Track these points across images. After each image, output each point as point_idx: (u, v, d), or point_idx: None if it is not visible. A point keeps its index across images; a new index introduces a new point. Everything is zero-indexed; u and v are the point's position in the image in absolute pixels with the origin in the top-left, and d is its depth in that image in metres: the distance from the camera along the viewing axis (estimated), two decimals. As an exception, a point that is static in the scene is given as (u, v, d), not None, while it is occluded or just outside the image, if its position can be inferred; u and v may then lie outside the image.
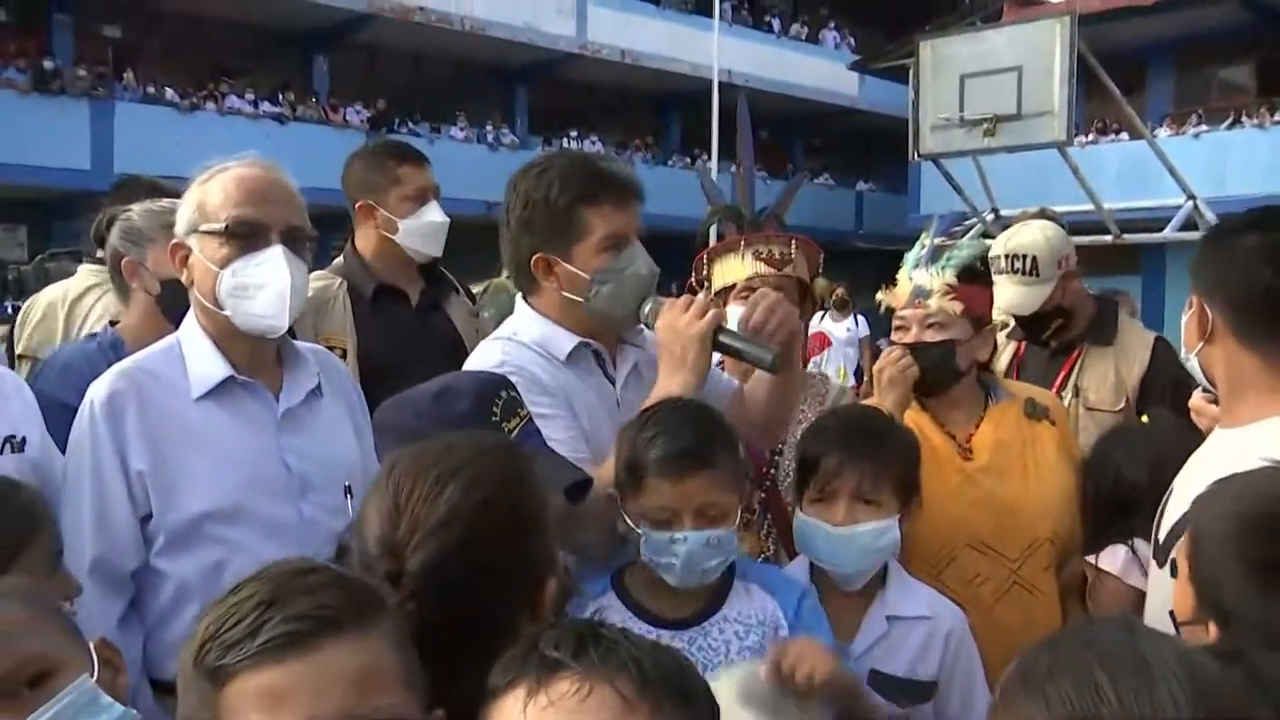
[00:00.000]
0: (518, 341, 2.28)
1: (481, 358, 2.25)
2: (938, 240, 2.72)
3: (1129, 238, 10.00)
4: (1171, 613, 1.61)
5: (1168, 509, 2.02)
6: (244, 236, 2.11)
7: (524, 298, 2.36)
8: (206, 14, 21.46)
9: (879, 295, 2.76)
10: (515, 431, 1.85)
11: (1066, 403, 3.36)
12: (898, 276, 2.69)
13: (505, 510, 1.41)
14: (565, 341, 2.27)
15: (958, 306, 2.56)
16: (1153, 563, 2.06)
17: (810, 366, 4.89)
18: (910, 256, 2.67)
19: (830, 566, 2.18)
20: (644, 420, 2.00)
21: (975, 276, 2.65)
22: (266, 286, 2.11)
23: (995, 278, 3.23)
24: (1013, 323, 3.72)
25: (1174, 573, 1.91)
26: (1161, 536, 2.02)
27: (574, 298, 2.25)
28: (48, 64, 18.96)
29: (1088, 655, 1.05)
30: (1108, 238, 9.82)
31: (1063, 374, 3.51)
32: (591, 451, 2.19)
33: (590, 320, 2.28)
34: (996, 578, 2.47)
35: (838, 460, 2.16)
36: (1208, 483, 1.91)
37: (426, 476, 1.40)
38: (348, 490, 2.18)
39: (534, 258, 2.25)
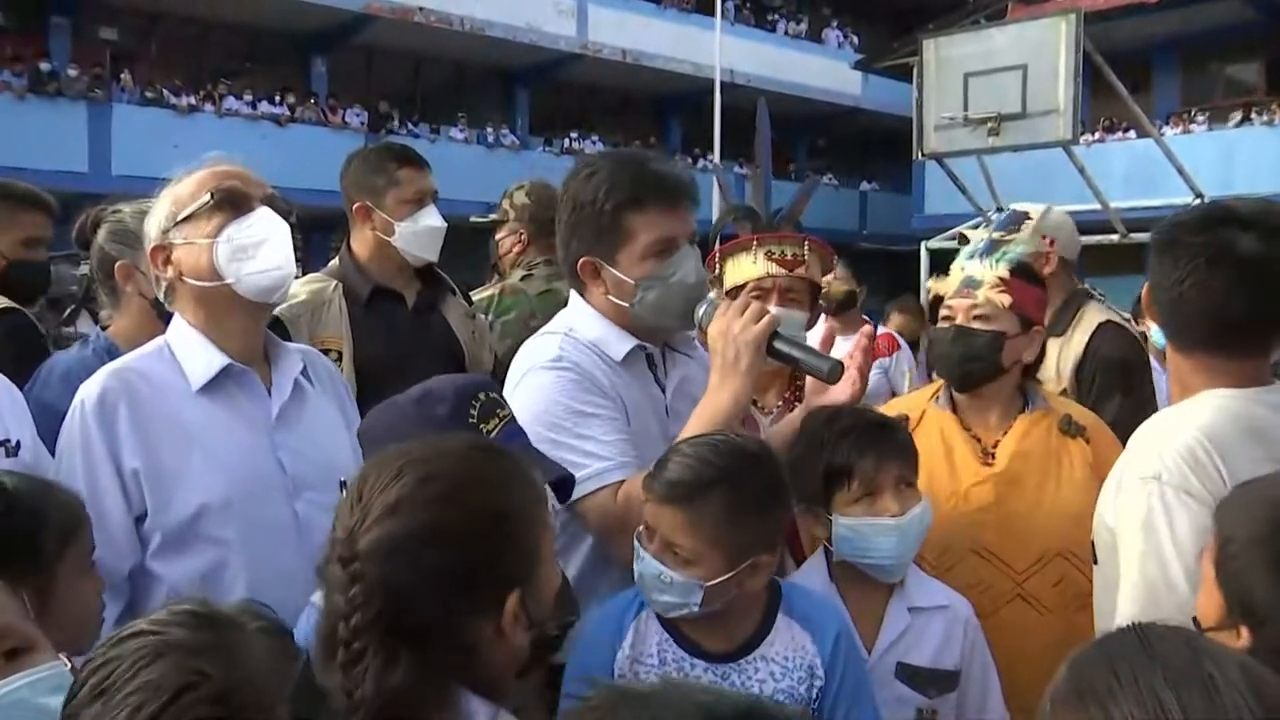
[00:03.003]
0: (575, 338, 2.26)
1: (538, 350, 2.25)
2: (996, 234, 2.70)
3: (1136, 237, 9.84)
4: (1195, 619, 1.58)
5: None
6: (231, 203, 2.11)
7: (579, 294, 2.35)
8: (204, 16, 21.40)
9: (929, 284, 2.76)
10: (495, 432, 1.83)
11: None
12: (951, 266, 2.67)
13: (462, 508, 1.38)
14: (621, 344, 2.26)
15: (1006, 300, 2.50)
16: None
17: (875, 370, 4.92)
18: (966, 248, 2.65)
19: (891, 560, 2.15)
20: (683, 440, 1.99)
21: (1029, 274, 2.60)
22: (266, 241, 2.11)
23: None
24: None
25: (1092, 548, 1.98)
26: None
27: (620, 303, 2.24)
28: (44, 66, 18.90)
29: (1150, 670, 1.04)
30: (1114, 237, 9.72)
31: None
32: (637, 458, 2.15)
33: (638, 325, 2.27)
34: (999, 587, 2.42)
35: (876, 459, 2.15)
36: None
37: (389, 468, 1.40)
38: (343, 487, 2.10)
39: (581, 261, 2.26)
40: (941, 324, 2.61)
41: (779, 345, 2.16)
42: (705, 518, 1.86)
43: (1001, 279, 2.52)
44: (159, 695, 1.10)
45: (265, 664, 1.18)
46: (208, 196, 2.11)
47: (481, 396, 1.86)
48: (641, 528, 1.94)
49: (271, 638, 1.22)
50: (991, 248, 2.60)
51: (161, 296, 2.22)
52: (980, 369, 2.54)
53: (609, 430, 2.15)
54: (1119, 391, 2.82)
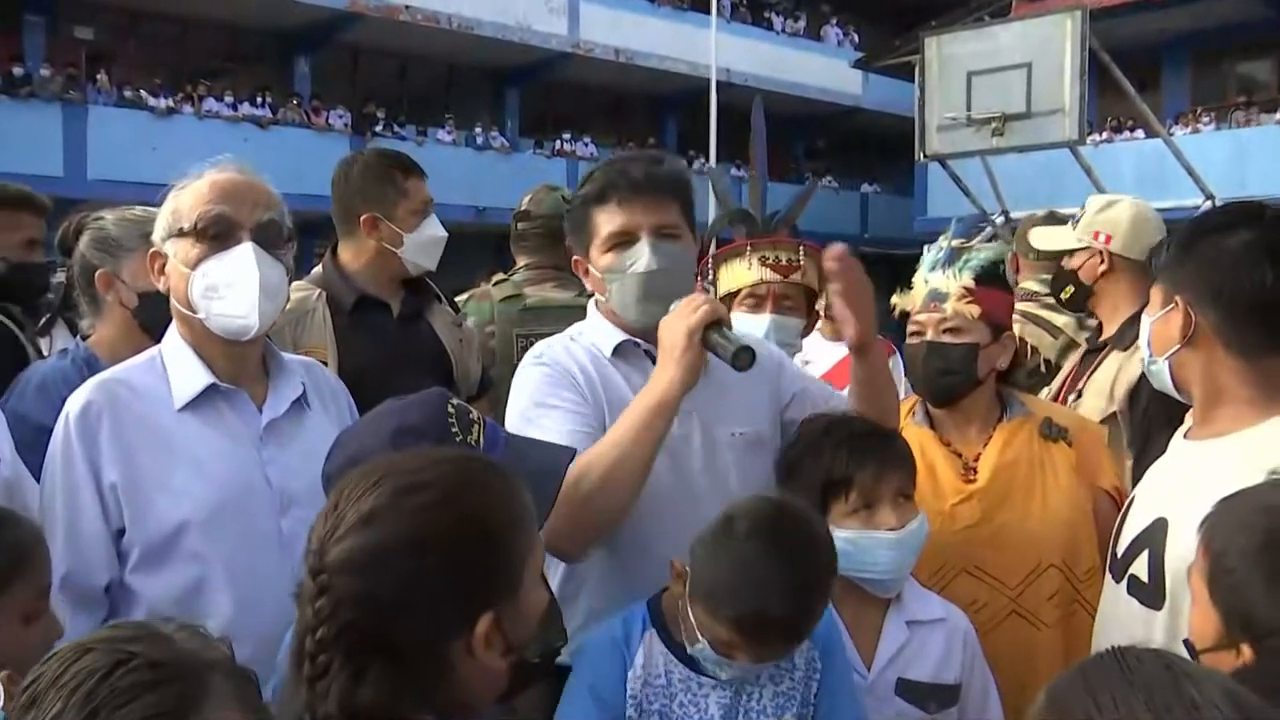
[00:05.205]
0: (570, 339, 2.36)
1: (532, 349, 2.37)
2: (956, 242, 2.64)
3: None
4: (1187, 641, 1.59)
5: (1127, 522, 2.00)
6: (214, 235, 2.11)
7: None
8: (184, 14, 21.27)
9: (894, 299, 2.70)
10: (479, 438, 1.81)
11: (1068, 407, 3.23)
12: (913, 280, 2.64)
13: (438, 521, 1.35)
14: (610, 339, 2.32)
15: (975, 310, 2.49)
16: (1108, 576, 2.05)
17: None
18: (927, 259, 2.61)
19: (889, 574, 2.14)
20: (750, 556, 1.84)
21: (995, 280, 2.57)
22: (235, 284, 2.11)
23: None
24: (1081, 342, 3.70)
25: (1131, 589, 1.93)
26: (1120, 550, 1.99)
27: (601, 297, 2.33)
28: (18, 69, 18.68)
29: (1130, 694, 1.06)
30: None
31: (1086, 376, 3.36)
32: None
33: (620, 320, 2.32)
34: (994, 604, 2.40)
35: (875, 470, 2.16)
36: (1177, 496, 1.88)
37: (369, 477, 1.38)
38: None
39: (574, 259, 2.37)
40: (911, 340, 2.58)
41: (713, 335, 2.12)
42: (804, 638, 1.90)
43: (967, 288, 2.50)
44: (93, 675, 1.10)
45: (190, 645, 1.16)
46: (193, 224, 2.11)
47: (450, 408, 1.82)
48: (710, 639, 1.88)
49: (191, 631, 1.19)
50: (953, 256, 2.56)
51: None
52: (956, 383, 2.52)
53: (566, 421, 2.19)
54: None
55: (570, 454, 1.93)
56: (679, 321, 2.12)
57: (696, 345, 2.10)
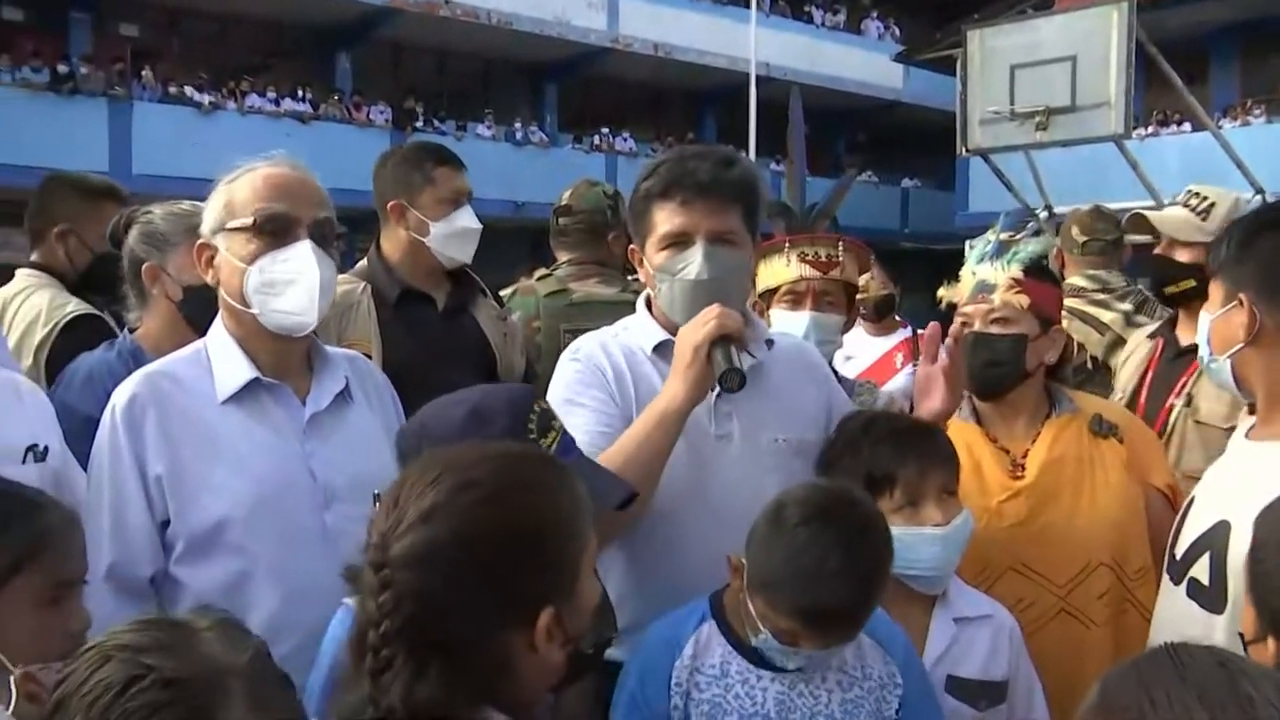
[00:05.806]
0: (613, 334, 2.36)
1: (572, 345, 2.38)
2: (1004, 235, 2.61)
3: (1194, 236, 9.39)
4: (1241, 634, 1.56)
5: (1186, 523, 1.97)
6: (272, 232, 2.11)
7: None
8: (226, 11, 21.47)
9: (941, 291, 2.68)
10: (553, 445, 1.82)
11: (1176, 414, 3.13)
12: (960, 273, 2.62)
13: (498, 517, 1.36)
14: (653, 336, 2.31)
15: (1024, 300, 2.47)
16: (1165, 578, 2.03)
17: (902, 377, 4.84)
18: (975, 251, 2.60)
19: (935, 571, 2.14)
20: (803, 543, 1.83)
21: (1043, 272, 2.57)
22: (295, 282, 2.11)
23: (1167, 208, 3.34)
24: (1146, 326, 3.55)
25: (1191, 592, 1.91)
26: (1179, 552, 1.96)
27: (652, 293, 2.32)
28: (64, 66, 18.89)
29: (1184, 691, 1.05)
30: (1170, 237, 9.28)
31: (1182, 379, 3.20)
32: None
33: (666, 319, 2.30)
34: (1042, 603, 2.37)
35: (918, 466, 2.15)
36: (1239, 498, 1.83)
37: (429, 472, 1.39)
38: (376, 499, 2.11)
39: (630, 248, 2.37)
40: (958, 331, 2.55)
41: (716, 351, 2.09)
42: (860, 626, 1.89)
43: (1015, 279, 2.48)
44: (110, 690, 1.15)
45: (213, 650, 1.21)
46: (251, 220, 2.11)
47: (536, 408, 1.84)
48: (772, 628, 1.87)
49: (221, 632, 1.25)
50: (1001, 249, 2.53)
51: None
52: (1004, 374, 2.49)
53: (590, 422, 2.19)
54: None
55: (629, 491, 1.91)
56: (689, 334, 2.11)
57: (702, 360, 2.08)
